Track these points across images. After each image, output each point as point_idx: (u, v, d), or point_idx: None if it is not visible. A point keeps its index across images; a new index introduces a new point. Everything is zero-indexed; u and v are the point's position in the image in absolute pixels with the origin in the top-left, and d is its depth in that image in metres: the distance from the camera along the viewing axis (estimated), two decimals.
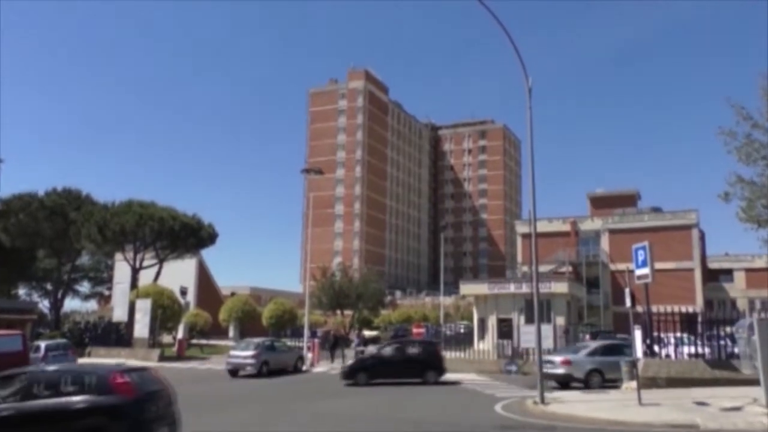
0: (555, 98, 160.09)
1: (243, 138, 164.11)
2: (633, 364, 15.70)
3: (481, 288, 35.52)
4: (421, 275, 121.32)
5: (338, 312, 51.97)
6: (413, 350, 18.91)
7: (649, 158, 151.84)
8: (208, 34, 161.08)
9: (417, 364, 18.58)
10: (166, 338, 37.93)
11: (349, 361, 20.46)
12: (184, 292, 37.90)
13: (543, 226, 44.94)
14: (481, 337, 31.99)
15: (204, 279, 55.99)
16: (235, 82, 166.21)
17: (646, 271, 13.81)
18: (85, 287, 55.69)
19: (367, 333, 45.07)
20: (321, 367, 25.10)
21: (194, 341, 37.90)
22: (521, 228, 47.88)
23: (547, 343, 21.97)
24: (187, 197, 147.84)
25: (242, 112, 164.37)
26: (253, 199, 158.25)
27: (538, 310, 14.79)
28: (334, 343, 28.85)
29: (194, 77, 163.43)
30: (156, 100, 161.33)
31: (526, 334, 22.94)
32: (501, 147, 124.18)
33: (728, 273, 48.23)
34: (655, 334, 17.17)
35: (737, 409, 11.82)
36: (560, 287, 33.54)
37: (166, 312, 33.22)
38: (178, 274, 47.13)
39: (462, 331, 35.78)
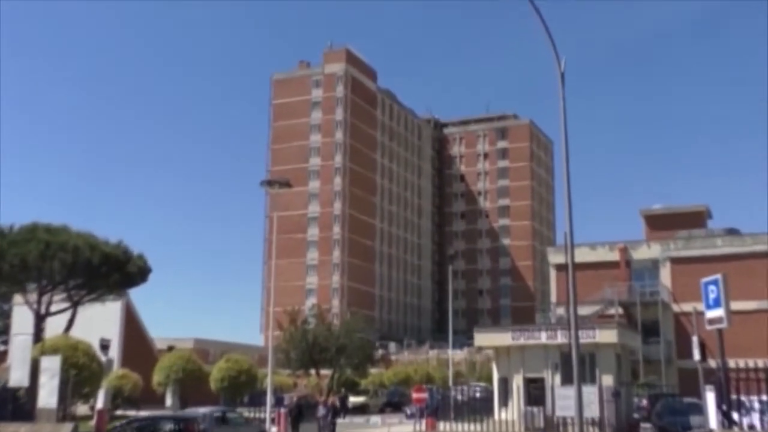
0: (595, 89, 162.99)
1: (185, 141, 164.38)
2: None
3: (502, 337, 35.49)
4: (422, 321, 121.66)
5: (313, 371, 51.52)
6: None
7: (721, 166, 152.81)
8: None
9: None
10: (82, 409, 36.35)
11: None
12: (105, 347, 36.89)
13: (584, 255, 45.18)
14: (504, 403, 31.44)
15: (133, 329, 55.29)
16: (170, 63, 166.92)
17: (720, 312, 13.88)
18: None
19: (353, 399, 44.61)
20: None
21: (119, 412, 37.25)
22: (555, 257, 48.21)
23: (591, 410, 21.90)
24: (110, 220, 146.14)
25: (183, 106, 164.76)
26: (199, 221, 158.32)
27: (578, 366, 14.96)
28: (298, 413, 28.19)
29: (118, 55, 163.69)
30: (67, 86, 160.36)
31: (562, 399, 22.73)
32: (527, 150, 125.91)
33: None
34: (734, 396, 17.06)
35: None
36: (608, 336, 33.60)
37: (81, 373, 31.48)
38: (98, 323, 46.46)
39: (478, 395, 35.28)
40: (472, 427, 24.91)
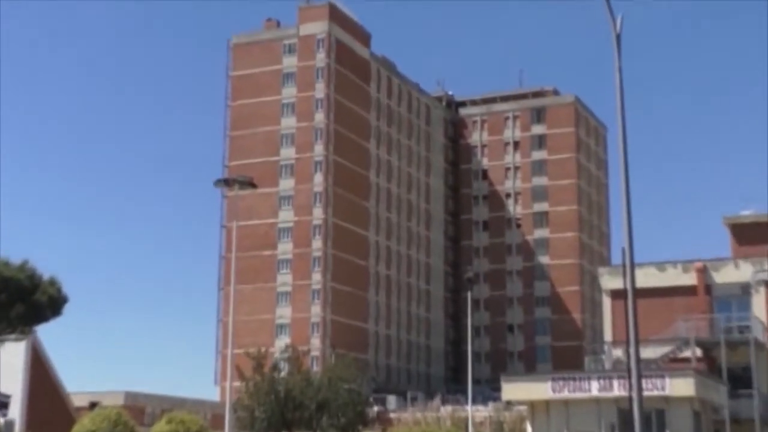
0: (661, 60, 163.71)
1: (111, 128, 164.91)
2: None
3: (540, 389, 35.30)
4: (432, 367, 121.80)
5: None
6: None
7: None
8: None
9: None
10: None
11: None
12: (3, 404, 36.89)
13: (650, 278, 45.08)
14: None
15: (42, 379, 54.84)
16: (96, 33, 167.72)
17: None
18: None
19: None
20: None
21: None
22: (610, 281, 48.04)
23: None
24: (11, 234, 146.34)
25: (106, 81, 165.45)
26: (132, 236, 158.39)
27: (642, 428, 15.10)
28: None
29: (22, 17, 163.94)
30: None
31: None
32: (572, 137, 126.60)
33: None
34: None
35: None
36: (682, 386, 33.47)
37: None
38: None
39: None
40: None
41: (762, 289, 44.96)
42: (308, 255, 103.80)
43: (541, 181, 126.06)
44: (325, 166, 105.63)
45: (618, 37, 15.80)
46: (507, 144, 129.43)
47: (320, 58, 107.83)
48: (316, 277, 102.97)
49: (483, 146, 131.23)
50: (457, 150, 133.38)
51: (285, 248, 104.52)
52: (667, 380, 33.30)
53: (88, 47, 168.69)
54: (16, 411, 45.88)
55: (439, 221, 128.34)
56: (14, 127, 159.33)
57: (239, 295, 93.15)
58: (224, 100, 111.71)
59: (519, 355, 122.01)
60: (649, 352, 39.82)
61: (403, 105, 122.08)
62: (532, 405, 36.85)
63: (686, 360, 41.45)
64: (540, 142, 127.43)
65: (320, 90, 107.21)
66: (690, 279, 46.44)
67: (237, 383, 49.91)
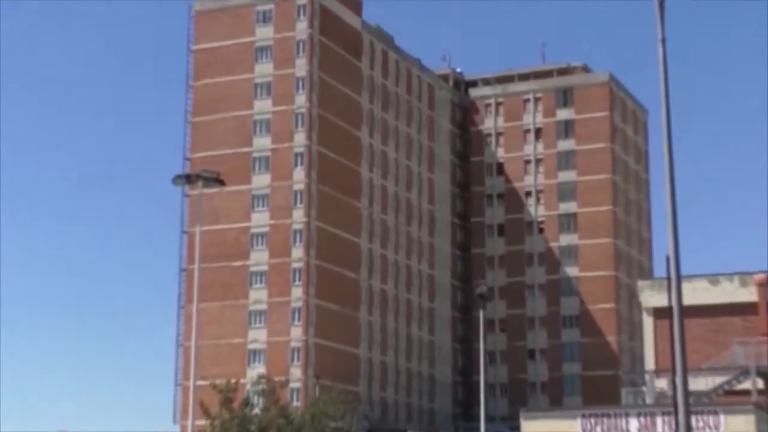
0: (712, 28, 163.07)
1: (53, 112, 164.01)
2: None
3: (567, 427, 35.18)
4: (438, 400, 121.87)
5: None
6: None
7: None
8: None
9: None
10: None
11: None
12: None
13: (701, 293, 45.19)
14: None
15: None
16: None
17: None
18: None
19: None
20: None
21: None
22: (653, 297, 48.01)
23: None
24: None
25: (52, 59, 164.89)
26: (73, 244, 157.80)
27: None
28: None
29: None
30: None
31: None
32: (606, 123, 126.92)
33: None
34: None
35: None
36: (740, 424, 33.34)
37: None
38: None
39: None
40: None
41: None
42: (287, 266, 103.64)
43: (568, 176, 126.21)
44: (308, 158, 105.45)
45: (661, 4, 15.71)
46: (527, 131, 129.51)
47: (301, 29, 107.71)
48: (297, 292, 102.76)
49: (498, 134, 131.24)
50: (467, 139, 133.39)
51: (259, 258, 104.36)
52: (722, 417, 33.28)
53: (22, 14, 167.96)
54: None
55: (445, 225, 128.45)
56: None
57: (204, 315, 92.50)
58: (185, 80, 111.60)
59: (542, 386, 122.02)
60: (699, 384, 39.88)
61: (401, 85, 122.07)
62: None
63: (745, 393, 41.45)
64: (567, 129, 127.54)
65: (301, 67, 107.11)
66: (749, 294, 46.51)
67: (201, 421, 49.75)
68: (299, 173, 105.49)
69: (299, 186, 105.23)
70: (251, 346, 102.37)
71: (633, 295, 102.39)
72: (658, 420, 34.86)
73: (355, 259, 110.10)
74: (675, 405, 16.55)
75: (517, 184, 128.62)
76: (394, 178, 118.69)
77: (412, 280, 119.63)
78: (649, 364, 47.41)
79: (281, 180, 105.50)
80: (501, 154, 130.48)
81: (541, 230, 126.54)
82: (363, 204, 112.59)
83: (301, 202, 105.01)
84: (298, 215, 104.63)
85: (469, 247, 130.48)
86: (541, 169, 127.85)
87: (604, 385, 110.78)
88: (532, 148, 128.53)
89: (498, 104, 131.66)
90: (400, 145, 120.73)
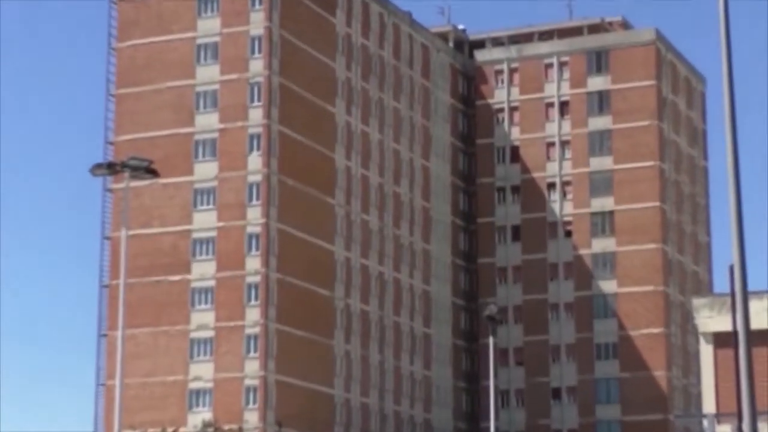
0: None
1: None
2: None
3: None
4: None
5: None
6: None
7: None
8: None
9: None
10: None
11: None
12: None
13: None
14: None
15: None
16: None
17: None
18: None
19: None
20: None
21: None
22: (710, 319, 48.09)
23: None
24: None
25: None
26: None
27: None
28: None
29: None
30: None
31: None
32: (652, 94, 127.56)
33: None
34: None
35: None
36: None
37: None
38: None
39: None
40: None
41: None
42: (240, 281, 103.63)
43: (603, 163, 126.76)
44: (266, 141, 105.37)
45: None
46: (549, 106, 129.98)
47: None
48: (253, 315, 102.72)
49: (512, 110, 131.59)
50: (472, 117, 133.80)
51: (204, 270, 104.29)
52: None
53: None
54: None
55: (445, 228, 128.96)
56: None
57: (132, 345, 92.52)
58: (107, 40, 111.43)
59: None
60: None
61: (387, 46, 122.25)
62: None
63: None
64: (601, 102, 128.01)
65: (257, 23, 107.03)
66: None
67: None
68: (255, 161, 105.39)
69: (255, 177, 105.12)
70: (194, 385, 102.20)
71: (687, 317, 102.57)
72: None
73: (328, 271, 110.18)
74: None
75: (536, 174, 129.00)
76: (377, 166, 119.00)
77: (402, 298, 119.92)
78: (709, 405, 47.49)
79: (232, 170, 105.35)
80: (516, 135, 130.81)
81: (568, 233, 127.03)
82: (338, 200, 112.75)
83: (257, 199, 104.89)
84: (254, 215, 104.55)
85: (474, 255, 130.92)
86: (569, 154, 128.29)
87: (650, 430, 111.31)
88: (556, 128, 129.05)
89: (512, 71, 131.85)
90: (386, 124, 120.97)
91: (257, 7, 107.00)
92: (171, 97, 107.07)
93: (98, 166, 34.99)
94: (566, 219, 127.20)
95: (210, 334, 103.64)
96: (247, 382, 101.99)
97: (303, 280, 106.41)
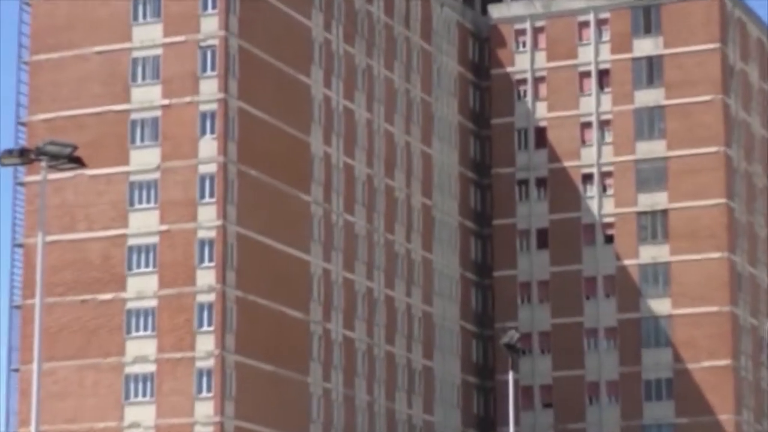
0: None
1: None
2: None
3: None
4: None
5: None
6: None
7: None
8: None
9: None
10: None
11: None
12: None
13: None
14: None
15: None
16: None
17: None
18: None
19: None
20: None
21: None
22: None
23: None
24: None
25: None
26: None
27: None
28: None
29: None
30: None
31: None
32: (715, 61, 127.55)
33: None
34: None
35: None
36: None
37: None
38: None
39: None
40: None
41: None
42: (189, 300, 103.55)
43: (653, 149, 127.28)
44: (223, 121, 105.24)
45: None
46: (585, 76, 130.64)
47: None
48: (205, 343, 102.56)
49: (537, 81, 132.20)
50: (486, 89, 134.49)
51: (143, 287, 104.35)
52: None
53: None
54: None
55: (451, 232, 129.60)
56: None
57: (51, 382, 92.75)
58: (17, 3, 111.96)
59: None
60: None
61: (377, 3, 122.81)
62: None
63: None
64: (651, 71, 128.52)
65: None
66: None
67: None
68: (208, 146, 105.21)
69: (208, 167, 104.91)
70: None
71: (761, 346, 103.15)
72: None
73: (302, 287, 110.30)
74: None
75: (569, 164, 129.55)
76: (365, 154, 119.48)
77: (397, 321, 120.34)
78: None
79: (179, 158, 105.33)
80: (542, 113, 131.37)
81: (609, 239, 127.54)
82: (314, 197, 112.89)
83: (211, 195, 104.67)
84: (208, 216, 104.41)
85: (489, 267, 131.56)
86: (609, 137, 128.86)
87: None
88: (593, 104, 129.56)
89: (537, 31, 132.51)
90: (376, 99, 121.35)
91: None
92: (100, 65, 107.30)
93: (8, 153, 35.03)
94: (606, 220, 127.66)
95: (150, 368, 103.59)
96: (198, 429, 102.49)
97: (269, 299, 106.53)
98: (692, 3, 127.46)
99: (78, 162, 34.33)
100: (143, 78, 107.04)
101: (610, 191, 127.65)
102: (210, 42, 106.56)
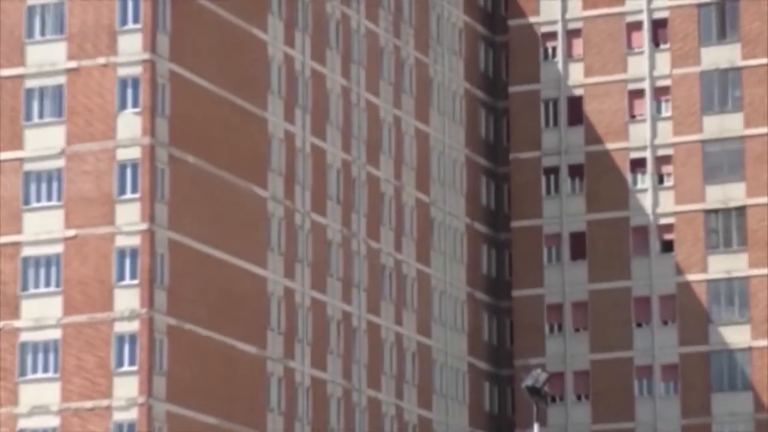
0: None
1: None
2: None
3: None
4: None
5: None
6: None
7: None
8: None
9: None
10: None
11: None
12: None
13: None
14: None
15: None
16: None
17: None
18: None
19: None
20: None
21: None
22: None
23: None
24: None
25: None
26: None
27: None
28: None
29: None
30: None
31: None
32: None
33: None
34: None
35: None
36: None
37: None
38: None
39: None
40: None
41: None
42: (104, 329, 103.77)
43: (726, 125, 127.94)
44: (149, 90, 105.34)
45: None
46: (633, 29, 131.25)
47: None
48: (126, 388, 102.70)
49: (570, 35, 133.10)
50: (502, 47, 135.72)
51: (43, 312, 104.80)
52: None
53: None
54: None
55: (456, 237, 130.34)
56: None
57: None
58: None
59: None
60: None
61: None
62: None
63: None
64: (723, 23, 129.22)
65: None
66: None
67: None
68: (130, 123, 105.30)
69: (130, 152, 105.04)
70: None
71: None
72: None
73: (257, 313, 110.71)
74: None
75: (612, 146, 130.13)
76: (339, 134, 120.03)
77: (382, 358, 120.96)
78: None
79: (90, 139, 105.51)
80: (578, 78, 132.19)
81: (667, 246, 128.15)
82: (272, 191, 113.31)
83: (135, 190, 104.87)
84: (129, 217, 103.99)
85: (506, 285, 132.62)
86: (667, 110, 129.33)
87: None
88: (645, 65, 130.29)
89: None
90: (355, 61, 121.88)
91: None
92: None
93: None
94: (664, 221, 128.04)
95: (52, 422, 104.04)
96: None
97: (212, 329, 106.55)
98: None
99: None
100: (42, 33, 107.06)
101: (668, 182, 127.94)
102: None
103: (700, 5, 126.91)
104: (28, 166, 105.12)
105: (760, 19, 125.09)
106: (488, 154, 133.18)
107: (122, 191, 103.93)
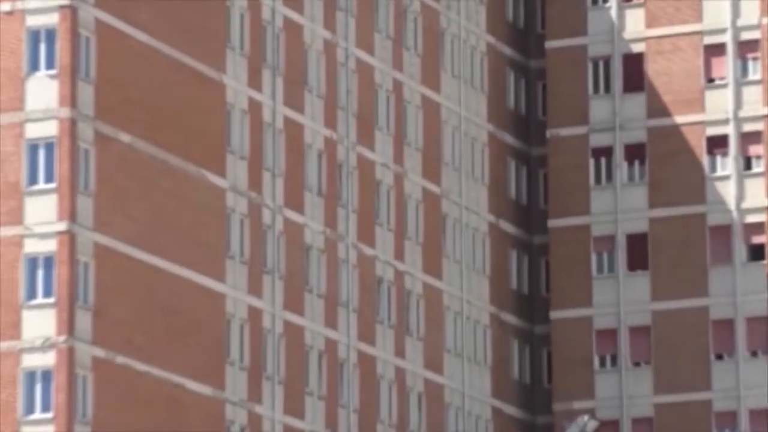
0: None
1: None
2: None
3: None
4: None
5: None
6: None
7: None
8: None
9: None
10: None
11: None
12: None
13: None
14: None
15: None
16: None
17: None
18: None
19: None
20: None
21: None
22: None
23: None
24: None
25: None
26: None
27: None
28: None
29: None
30: None
31: None
32: None
33: None
34: None
35: None
36: None
37: None
38: None
39: None
40: None
41: None
42: (10, 362, 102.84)
43: None
44: (69, 47, 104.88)
45: None
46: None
47: None
48: None
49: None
50: (538, 15, 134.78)
51: None
52: None
53: None
54: None
55: (475, 240, 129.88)
56: None
57: None
58: None
59: None
60: None
61: None
62: None
63: None
64: None
65: None
66: None
67: None
68: (43, 90, 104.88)
69: (43, 128, 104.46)
70: None
71: None
72: None
73: (212, 341, 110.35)
74: None
75: (685, 119, 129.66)
76: (322, 104, 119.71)
77: (379, 401, 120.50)
78: None
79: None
80: (637, 29, 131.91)
81: (756, 252, 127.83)
82: (232, 179, 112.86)
83: (50, 179, 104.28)
84: (42, 214, 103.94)
85: (542, 303, 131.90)
86: (757, 71, 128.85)
87: None
88: (727, 12, 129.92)
89: None
90: (341, 8, 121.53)
91: None
92: None
93: None
94: (751, 219, 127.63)
95: None
96: None
97: (153, 363, 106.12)
98: None
99: None
100: None
101: (757, 167, 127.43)
102: None
103: None
104: None
105: None
106: (518, 131, 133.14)
107: (33, 180, 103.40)
